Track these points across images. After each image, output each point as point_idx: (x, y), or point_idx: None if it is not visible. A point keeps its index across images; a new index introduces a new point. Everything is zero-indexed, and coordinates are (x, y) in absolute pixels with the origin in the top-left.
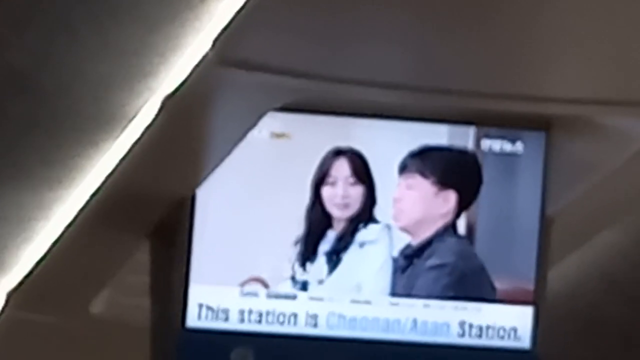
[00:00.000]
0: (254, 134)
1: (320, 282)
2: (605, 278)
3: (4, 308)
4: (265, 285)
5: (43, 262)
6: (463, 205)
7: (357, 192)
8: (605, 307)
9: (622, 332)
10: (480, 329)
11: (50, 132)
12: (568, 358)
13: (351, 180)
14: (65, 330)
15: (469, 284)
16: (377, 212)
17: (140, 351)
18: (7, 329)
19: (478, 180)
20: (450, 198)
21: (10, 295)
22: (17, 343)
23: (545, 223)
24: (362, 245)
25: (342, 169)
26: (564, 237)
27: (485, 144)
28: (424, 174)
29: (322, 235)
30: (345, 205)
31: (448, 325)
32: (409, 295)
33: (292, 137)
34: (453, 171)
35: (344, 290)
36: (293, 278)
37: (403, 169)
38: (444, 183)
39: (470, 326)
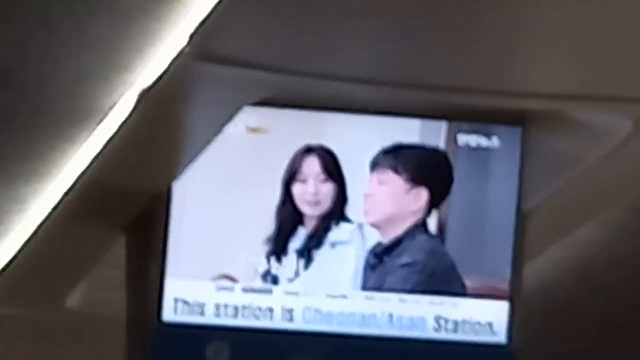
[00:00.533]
0: (230, 129)
1: (291, 280)
2: (581, 273)
3: None
4: (236, 282)
5: (19, 256)
6: (435, 203)
7: (328, 190)
8: (581, 302)
9: (598, 326)
10: (456, 323)
11: (27, 127)
12: (544, 353)
13: (322, 177)
14: (41, 324)
15: (439, 282)
16: (349, 210)
17: (116, 346)
18: None
19: (450, 179)
20: (422, 195)
21: None
22: None
23: (521, 218)
24: (334, 245)
25: (312, 166)
26: (539, 232)
27: (462, 139)
28: (396, 170)
29: (293, 233)
30: (316, 203)
31: (424, 320)
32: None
33: (269, 132)
34: (425, 169)
35: (315, 289)
36: (264, 275)
37: (375, 165)
38: (415, 180)
39: (446, 321)
